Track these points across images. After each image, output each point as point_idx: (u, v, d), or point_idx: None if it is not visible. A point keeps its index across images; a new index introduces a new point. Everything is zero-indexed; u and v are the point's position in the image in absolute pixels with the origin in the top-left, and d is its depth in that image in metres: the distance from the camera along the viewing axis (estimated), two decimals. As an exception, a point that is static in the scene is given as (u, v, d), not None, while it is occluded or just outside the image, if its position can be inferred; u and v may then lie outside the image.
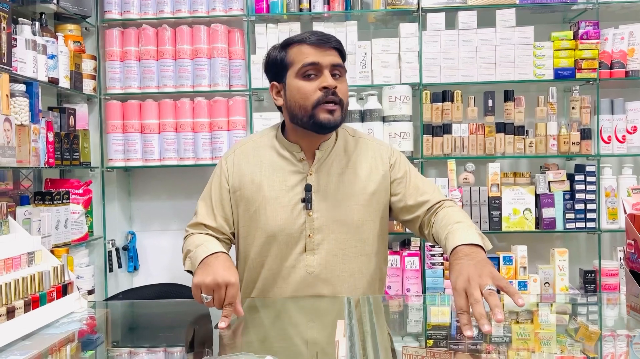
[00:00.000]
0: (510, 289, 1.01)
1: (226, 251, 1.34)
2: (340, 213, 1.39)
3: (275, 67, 1.40)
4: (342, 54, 1.40)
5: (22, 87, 1.83)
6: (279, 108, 1.45)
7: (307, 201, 1.37)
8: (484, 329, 0.95)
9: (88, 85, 2.39)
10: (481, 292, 1.00)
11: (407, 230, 2.35)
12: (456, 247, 1.15)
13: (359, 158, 1.44)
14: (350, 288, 1.40)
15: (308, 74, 1.34)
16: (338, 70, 1.36)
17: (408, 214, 1.43)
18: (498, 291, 1.03)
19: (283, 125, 1.48)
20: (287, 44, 1.39)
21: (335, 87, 1.34)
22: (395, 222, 2.33)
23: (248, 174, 1.41)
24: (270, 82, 1.44)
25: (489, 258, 1.13)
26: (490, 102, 2.36)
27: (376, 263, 1.46)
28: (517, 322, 1.21)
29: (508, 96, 2.36)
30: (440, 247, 1.29)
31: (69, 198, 2.07)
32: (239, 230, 1.44)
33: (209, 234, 1.42)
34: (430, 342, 1.13)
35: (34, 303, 1.11)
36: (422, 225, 1.41)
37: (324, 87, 1.33)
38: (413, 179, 1.44)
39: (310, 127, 1.36)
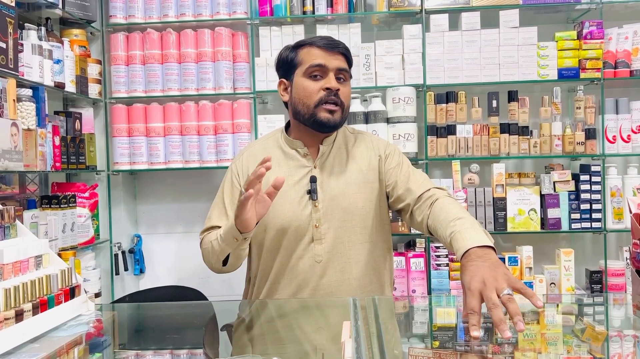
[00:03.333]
0: (528, 291, 1.00)
1: None
2: (344, 202, 1.45)
3: (285, 65, 1.49)
4: (349, 60, 1.49)
5: (28, 92, 1.84)
6: (285, 105, 1.53)
7: (312, 192, 1.44)
8: (504, 335, 0.93)
9: (94, 89, 2.40)
10: (498, 296, 0.99)
11: (412, 231, 2.35)
12: (468, 250, 1.14)
13: (358, 150, 1.52)
14: (357, 275, 1.44)
15: (314, 74, 1.43)
16: (343, 75, 1.45)
17: (399, 202, 1.48)
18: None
19: (287, 125, 1.56)
20: (298, 45, 1.48)
21: (338, 90, 1.42)
22: (400, 223, 2.34)
23: None
24: (279, 79, 1.53)
25: (493, 258, 1.13)
26: (494, 103, 2.36)
27: (381, 251, 1.51)
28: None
29: (512, 96, 2.36)
30: (439, 240, 1.30)
31: (75, 202, 2.08)
32: None
33: None
34: (436, 343, 1.13)
35: (42, 306, 1.11)
36: (412, 213, 1.44)
37: (327, 88, 1.41)
38: (405, 169, 1.50)
39: (310, 124, 1.44)
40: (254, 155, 1.52)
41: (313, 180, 1.45)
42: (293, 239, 1.44)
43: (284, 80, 1.52)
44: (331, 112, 1.42)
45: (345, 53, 1.47)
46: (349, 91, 1.48)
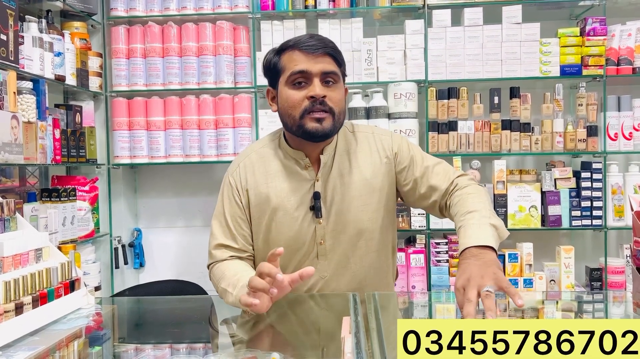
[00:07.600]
0: (511, 289, 1.00)
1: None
2: (349, 217, 1.37)
3: (270, 72, 1.37)
4: (338, 61, 1.34)
5: (29, 85, 1.84)
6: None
7: (316, 209, 1.35)
8: None
9: (94, 83, 2.40)
10: (479, 293, 0.99)
11: (412, 227, 2.35)
12: (466, 248, 1.13)
13: (361, 155, 1.41)
14: (363, 284, 1.40)
15: (297, 82, 1.30)
16: (331, 78, 1.31)
17: (424, 200, 1.39)
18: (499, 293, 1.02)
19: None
20: (282, 49, 1.35)
21: (324, 97, 1.29)
22: (400, 219, 2.33)
23: (255, 187, 1.39)
24: (267, 86, 1.41)
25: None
26: (496, 99, 2.36)
27: (385, 255, 1.46)
28: (522, 319, 1.21)
29: (514, 93, 2.35)
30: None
31: (75, 195, 2.08)
32: (254, 242, 1.42)
33: (232, 257, 1.39)
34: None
35: (41, 299, 1.12)
36: (441, 208, 1.38)
37: (311, 97, 1.28)
38: (420, 163, 1.40)
39: (300, 135, 1.33)
40: (251, 166, 1.41)
41: (317, 196, 1.36)
42: (297, 256, 1.38)
43: (270, 89, 1.39)
44: (319, 120, 1.28)
45: (331, 53, 1.32)
46: (339, 95, 1.33)
